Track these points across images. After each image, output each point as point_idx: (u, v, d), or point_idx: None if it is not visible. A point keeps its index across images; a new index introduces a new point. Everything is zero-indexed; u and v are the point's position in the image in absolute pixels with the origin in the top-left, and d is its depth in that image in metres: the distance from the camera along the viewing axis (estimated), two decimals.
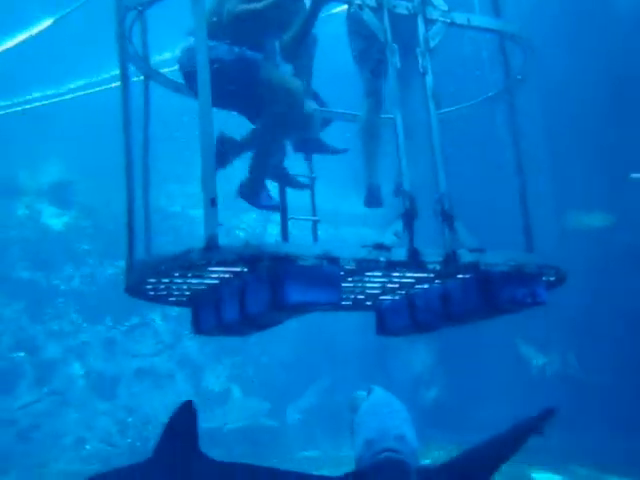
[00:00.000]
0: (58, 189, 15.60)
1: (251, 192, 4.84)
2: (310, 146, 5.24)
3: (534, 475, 9.77)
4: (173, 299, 4.39)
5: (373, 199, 5.18)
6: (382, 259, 3.54)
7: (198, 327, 4.36)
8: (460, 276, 4.08)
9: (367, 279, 4.02)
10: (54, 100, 15.44)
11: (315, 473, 10.81)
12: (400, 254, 3.60)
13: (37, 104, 15.66)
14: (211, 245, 3.42)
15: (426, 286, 4.26)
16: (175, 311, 14.92)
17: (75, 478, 11.92)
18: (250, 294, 3.66)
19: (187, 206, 14.99)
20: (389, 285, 4.21)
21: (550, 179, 14.31)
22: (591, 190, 13.93)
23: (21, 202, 15.60)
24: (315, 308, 3.69)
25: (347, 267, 3.53)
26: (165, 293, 4.26)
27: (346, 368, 14.93)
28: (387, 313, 4.68)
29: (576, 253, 12.96)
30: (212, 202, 3.46)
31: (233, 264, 3.52)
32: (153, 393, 14.59)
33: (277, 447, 13.71)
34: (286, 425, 14.49)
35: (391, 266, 3.60)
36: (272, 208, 5.15)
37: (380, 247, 3.56)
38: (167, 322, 15.09)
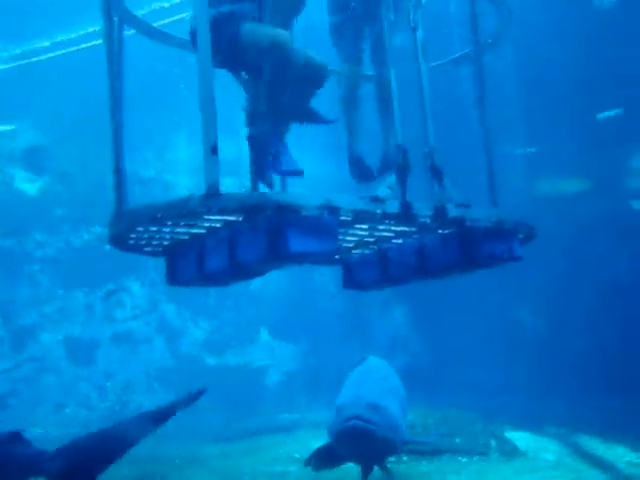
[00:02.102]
0: (32, 154, 15.33)
1: (258, 169, 4.65)
2: (300, 115, 5.02)
3: (508, 434, 10.05)
4: (149, 249, 4.40)
5: (361, 172, 5.13)
6: (378, 211, 3.63)
7: (174, 278, 4.38)
8: (440, 231, 4.18)
9: (350, 232, 4.09)
10: (25, 61, 15.04)
11: (291, 435, 11.08)
12: (394, 206, 3.69)
13: (6, 66, 15.24)
14: (212, 193, 3.44)
15: (400, 240, 4.34)
16: (151, 276, 14.91)
17: (56, 442, 11.99)
18: (244, 243, 3.70)
19: (162, 171, 14.89)
20: (367, 239, 4.30)
21: (523, 143, 14.46)
22: (566, 155, 14.13)
23: None
24: (312, 258, 3.76)
25: (345, 218, 3.60)
26: (144, 243, 4.27)
27: (325, 330, 15.13)
28: (356, 267, 4.76)
29: (549, 218, 13.20)
30: (212, 150, 3.48)
31: (233, 213, 3.55)
32: (131, 358, 14.64)
33: (257, 409, 13.89)
34: (265, 387, 14.67)
35: (385, 218, 3.69)
36: (294, 173, 4.76)
37: (376, 199, 3.64)
38: (143, 287, 15.08)
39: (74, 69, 13.79)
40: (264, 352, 14.81)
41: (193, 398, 5.09)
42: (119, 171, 4.19)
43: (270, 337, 14.96)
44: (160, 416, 4.93)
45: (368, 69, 5.33)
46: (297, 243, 3.53)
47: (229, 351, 14.81)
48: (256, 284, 15.53)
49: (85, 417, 13.73)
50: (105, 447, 4.66)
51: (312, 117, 5.05)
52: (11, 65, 15.22)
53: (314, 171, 13.02)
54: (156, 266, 14.76)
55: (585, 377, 12.90)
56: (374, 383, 6.00)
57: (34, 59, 15.14)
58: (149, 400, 14.29)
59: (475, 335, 14.29)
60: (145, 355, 14.68)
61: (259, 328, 15.10)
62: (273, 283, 15.55)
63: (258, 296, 15.39)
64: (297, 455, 9.24)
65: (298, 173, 4.67)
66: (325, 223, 3.57)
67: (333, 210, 3.54)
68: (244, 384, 14.30)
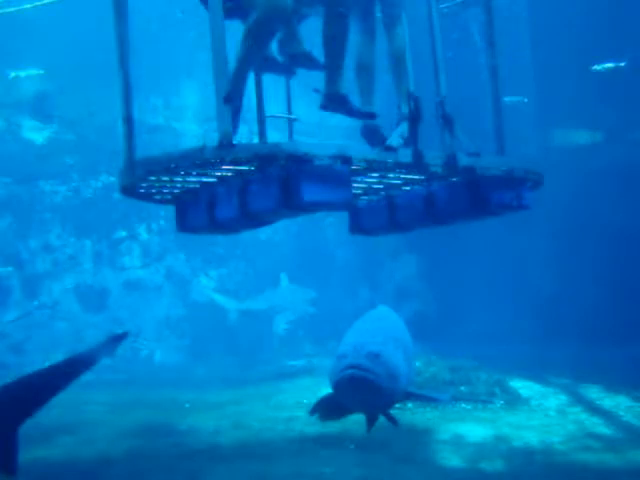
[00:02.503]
0: (38, 101, 15.24)
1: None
2: (299, 60, 4.83)
3: (511, 383, 10.20)
4: (159, 197, 4.42)
5: (373, 140, 4.93)
6: (390, 160, 3.64)
7: (184, 225, 4.42)
8: (450, 179, 4.18)
9: (360, 179, 4.10)
10: (31, 5, 14.77)
11: (299, 382, 11.28)
12: (406, 156, 3.70)
13: (12, 9, 14.96)
14: (225, 143, 3.45)
15: (409, 188, 4.36)
16: (160, 225, 15.00)
17: (68, 387, 12.26)
18: (256, 192, 3.72)
19: (171, 119, 14.81)
20: (376, 186, 4.30)
21: (535, 94, 14.25)
22: (576, 105, 13.95)
23: None
24: (324, 207, 3.78)
25: (356, 167, 3.61)
26: (155, 191, 4.29)
27: (334, 279, 15.27)
28: (363, 212, 4.76)
29: (559, 168, 13.12)
30: (225, 99, 3.46)
31: (246, 163, 3.56)
32: (141, 305, 14.84)
33: (266, 356, 14.14)
34: (275, 335, 14.90)
35: (397, 167, 3.70)
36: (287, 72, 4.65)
37: (388, 148, 3.65)
38: (153, 235, 15.18)
39: (77, 14, 13.58)
40: (274, 300, 14.96)
41: (115, 342, 5.08)
42: (129, 120, 4.16)
43: (280, 285, 15.09)
44: (82, 362, 4.90)
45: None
46: (310, 193, 3.56)
47: (238, 299, 14.98)
48: (266, 233, 15.59)
49: (98, 364, 13.97)
50: (26, 397, 4.67)
51: (311, 63, 4.96)
52: (12, 9, 14.98)
53: (322, 120, 12.99)
54: (165, 215, 14.84)
55: (589, 327, 13.03)
56: (377, 332, 5.83)
57: (36, 3, 14.89)
58: (159, 347, 14.57)
59: (482, 285, 14.39)
60: (155, 303, 14.88)
61: (269, 277, 15.21)
62: (283, 232, 15.62)
63: (268, 245, 15.49)
64: (305, 401, 9.45)
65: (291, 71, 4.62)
66: (338, 173, 3.59)
67: (346, 160, 3.56)
68: (254, 332, 14.51)
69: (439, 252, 14.88)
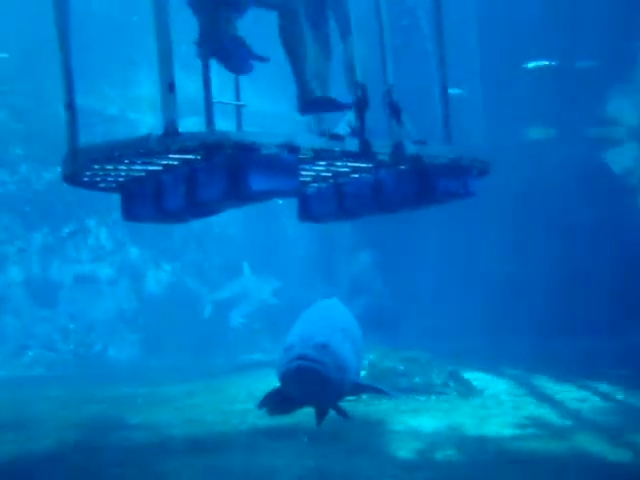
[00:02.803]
0: None
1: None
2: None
3: (465, 374, 10.32)
4: (103, 185, 4.34)
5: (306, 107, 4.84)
6: (337, 149, 3.62)
7: (130, 213, 4.34)
8: (397, 167, 4.19)
9: (308, 167, 4.08)
10: None
11: (253, 375, 11.20)
12: (353, 144, 3.68)
13: None
14: (171, 131, 3.38)
15: (357, 175, 4.36)
16: (114, 218, 14.72)
17: (18, 382, 12.01)
18: (203, 182, 3.67)
19: (126, 109, 14.54)
20: (324, 174, 4.29)
21: (482, 86, 14.37)
22: (528, 101, 14.17)
23: None
24: (272, 196, 3.76)
25: (304, 156, 3.58)
26: (99, 180, 4.21)
27: (289, 272, 15.22)
28: (312, 200, 4.76)
29: (511, 163, 13.33)
30: (170, 87, 3.39)
31: (192, 152, 3.50)
32: (95, 299, 14.56)
33: (221, 350, 14.04)
34: (229, 328, 14.79)
35: (345, 156, 3.68)
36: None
37: (336, 137, 3.63)
38: (106, 228, 14.89)
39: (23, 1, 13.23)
40: (229, 293, 14.85)
41: None
42: (71, 107, 4.05)
43: (235, 278, 14.98)
44: None
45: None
46: (258, 182, 3.54)
47: (193, 292, 14.82)
48: (221, 226, 15.47)
49: (49, 359, 13.71)
50: None
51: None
52: None
53: (270, 109, 12.94)
54: (118, 207, 14.59)
55: (541, 320, 13.29)
56: (325, 323, 5.69)
57: None
58: (114, 342, 14.33)
59: (436, 279, 14.53)
60: (109, 297, 14.62)
61: (224, 269, 15.09)
62: (238, 225, 15.52)
63: (223, 237, 15.36)
64: (259, 394, 9.35)
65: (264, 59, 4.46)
66: (285, 162, 3.57)
67: (293, 149, 3.54)
68: (209, 325, 14.39)
69: (394, 247, 15.00)
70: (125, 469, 6.54)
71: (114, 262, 14.80)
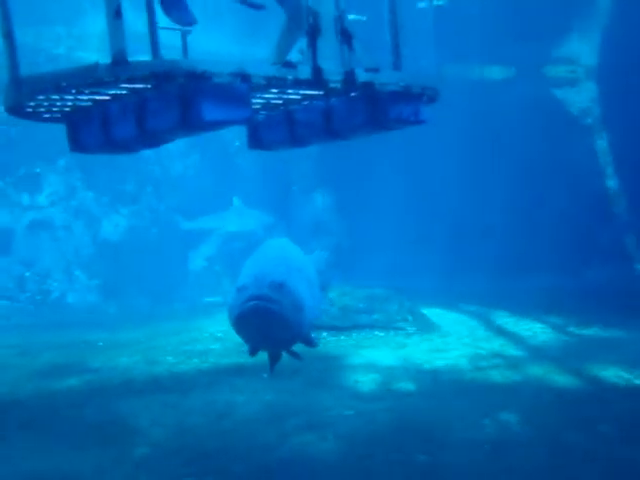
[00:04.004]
0: None
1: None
2: None
3: (424, 311, 10.51)
4: (48, 116, 4.19)
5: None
6: (289, 77, 3.54)
7: (77, 144, 4.20)
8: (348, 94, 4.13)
9: (258, 95, 3.99)
10: None
11: (214, 317, 11.19)
12: (305, 72, 3.60)
13: None
14: (120, 60, 3.25)
15: (307, 102, 4.29)
16: (66, 161, 14.34)
17: None
18: (154, 111, 3.57)
19: (74, 48, 13.99)
20: (274, 101, 4.21)
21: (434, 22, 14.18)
22: (481, 40, 14.08)
23: None
24: (224, 126, 3.68)
25: (256, 84, 3.50)
26: (44, 110, 4.06)
27: (247, 214, 15.12)
28: (262, 127, 4.64)
29: (466, 101, 13.33)
30: (117, 14, 3.23)
31: (142, 81, 3.38)
32: (50, 246, 14.27)
33: (181, 293, 13.99)
34: (189, 272, 14.70)
35: (297, 84, 3.60)
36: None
37: (288, 65, 3.54)
38: (58, 173, 14.46)
39: None
40: (186, 238, 14.68)
41: None
42: (9, 35, 3.86)
43: (190, 223, 14.78)
44: None
45: None
46: (210, 112, 3.44)
47: (151, 236, 14.60)
48: (177, 169, 15.22)
49: (5, 308, 13.49)
50: None
51: None
52: None
53: (227, 49, 12.61)
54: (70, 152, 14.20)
55: (498, 259, 13.54)
56: (279, 262, 5.28)
57: None
58: (71, 288, 14.15)
59: (394, 219, 14.61)
60: (65, 243, 14.32)
61: (181, 213, 14.85)
62: (195, 168, 15.29)
63: (180, 181, 15.11)
64: (220, 335, 9.45)
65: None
66: (237, 91, 3.48)
67: (245, 77, 3.44)
68: (167, 269, 14.26)
69: (352, 187, 15.01)
70: (84, 410, 6.55)
71: (69, 207, 14.43)
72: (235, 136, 14.27)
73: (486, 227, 14.19)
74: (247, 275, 5.04)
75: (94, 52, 13.85)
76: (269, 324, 4.69)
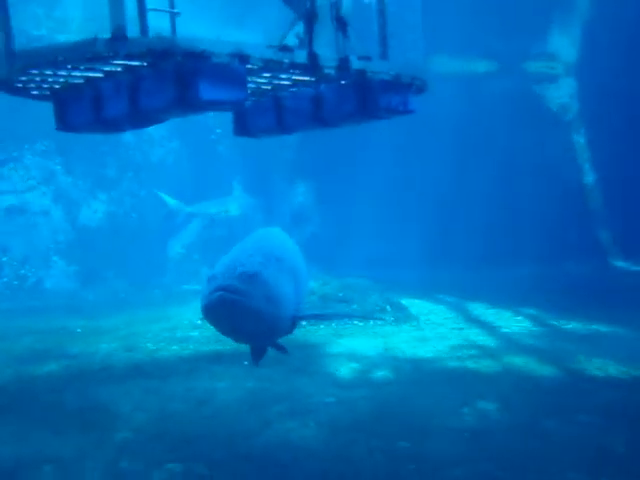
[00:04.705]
0: None
1: None
2: None
3: (402, 301, 10.58)
4: (36, 93, 4.14)
5: None
6: (286, 60, 3.56)
7: (64, 123, 4.15)
8: (339, 81, 4.15)
9: (249, 79, 3.99)
10: None
11: (193, 304, 11.17)
12: (301, 56, 3.62)
13: None
14: (119, 36, 3.23)
15: (296, 89, 4.30)
16: (45, 145, 14.16)
17: None
18: (149, 90, 3.55)
19: (55, 30, 13.79)
20: (264, 87, 4.21)
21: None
22: (468, 34, 14.16)
23: None
24: (219, 107, 3.68)
25: (252, 66, 3.50)
26: (34, 86, 4.01)
27: (228, 203, 15.06)
28: (250, 114, 4.62)
29: (450, 95, 13.40)
30: None
31: (139, 58, 3.36)
32: (28, 231, 14.10)
33: (159, 280, 13.92)
34: (168, 259, 14.64)
35: (292, 68, 3.62)
36: None
37: (285, 49, 3.56)
38: (36, 157, 14.26)
39: None
40: (166, 223, 14.58)
41: None
42: (3, 6, 3.81)
43: (171, 208, 14.68)
44: None
45: None
46: (207, 91, 3.45)
47: (129, 222, 14.48)
48: (158, 155, 15.11)
49: None
50: None
51: None
52: None
53: (215, 33, 12.54)
54: (50, 134, 14.01)
55: (475, 251, 13.69)
56: (257, 252, 5.00)
57: None
58: (48, 274, 14.02)
59: (373, 211, 14.68)
60: (43, 228, 14.15)
61: (160, 199, 14.74)
62: (175, 154, 15.19)
63: (160, 167, 15.00)
64: (198, 322, 9.42)
65: None
66: (235, 71, 3.49)
67: (244, 58, 3.45)
68: (147, 255, 14.18)
69: (332, 177, 15.04)
70: (63, 395, 6.50)
71: (47, 192, 14.26)
72: (217, 123, 14.21)
73: (467, 218, 14.32)
74: (221, 264, 4.83)
75: (74, 35, 13.69)
76: (236, 316, 4.46)
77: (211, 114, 14.44)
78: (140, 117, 3.77)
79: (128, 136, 14.49)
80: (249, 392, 6.37)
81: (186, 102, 3.44)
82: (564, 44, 15.32)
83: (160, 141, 14.96)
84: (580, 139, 15.32)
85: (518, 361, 7.26)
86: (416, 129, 12.44)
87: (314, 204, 15.34)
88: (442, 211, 14.66)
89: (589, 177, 15.17)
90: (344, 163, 14.99)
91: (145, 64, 3.56)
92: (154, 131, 14.74)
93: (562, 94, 15.55)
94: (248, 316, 4.45)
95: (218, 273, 4.59)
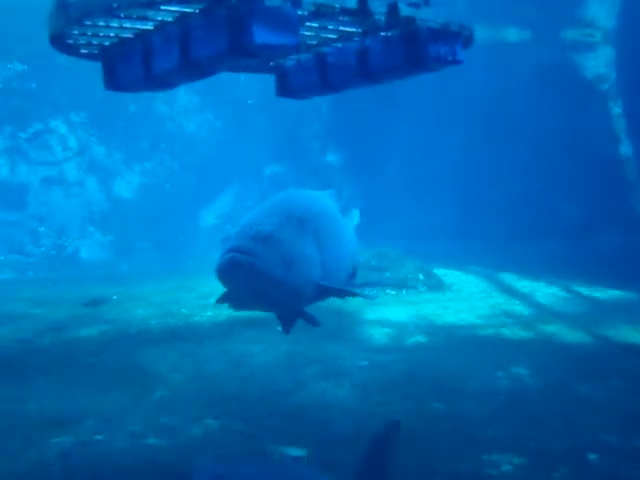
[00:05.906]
0: None
1: None
2: None
3: (435, 271, 10.57)
4: (86, 51, 4.15)
5: None
6: (337, 5, 3.54)
7: (114, 82, 4.17)
8: (384, 33, 4.10)
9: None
10: None
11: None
12: (351, 2, 3.60)
13: None
14: None
15: (340, 45, 4.25)
16: (80, 117, 14.33)
17: None
18: (200, 37, 3.55)
19: None
20: (309, 41, 4.17)
21: None
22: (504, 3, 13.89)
23: None
24: (272, 52, 3.65)
25: (303, 12, 3.50)
26: (84, 43, 4.02)
27: (258, 176, 15.16)
28: (292, 73, 4.56)
29: (482, 65, 13.20)
30: None
31: (194, 2, 3.37)
32: (64, 201, 14.33)
33: (193, 250, 14.09)
34: (201, 229, 14.78)
35: (342, 14, 3.59)
36: None
37: None
38: (72, 128, 14.43)
39: None
40: (199, 195, 14.72)
41: None
42: None
43: (202, 183, 14.78)
44: None
45: None
46: (261, 35, 3.40)
47: (163, 193, 14.62)
48: (191, 127, 15.19)
49: (20, 263, 13.61)
50: None
51: None
52: None
53: None
54: (85, 106, 14.18)
55: (510, 223, 13.56)
56: (277, 212, 4.63)
57: None
58: (84, 244, 14.27)
59: (407, 183, 14.61)
60: (78, 198, 14.38)
61: (193, 171, 14.87)
62: (209, 125, 15.24)
63: (194, 139, 15.08)
64: None
65: None
66: (287, 15, 3.45)
67: (296, 2, 3.45)
68: (179, 226, 14.33)
69: (363, 148, 14.96)
70: (102, 357, 6.67)
71: (82, 163, 14.44)
72: (248, 94, 14.21)
73: (499, 190, 14.17)
74: (238, 225, 4.53)
75: None
76: (250, 279, 4.15)
77: (243, 84, 14.45)
78: (191, 69, 3.75)
79: (162, 106, 14.59)
80: (284, 355, 6.47)
81: (239, 47, 3.40)
82: (602, 10, 14.93)
83: (194, 112, 15.02)
84: (617, 109, 14.99)
85: (551, 329, 7.25)
86: (447, 99, 12.35)
87: (344, 175, 15.30)
88: (474, 183, 14.52)
89: (625, 148, 14.86)
90: (375, 134, 14.89)
91: (197, 11, 3.55)
92: (188, 102, 14.81)
93: (599, 63, 15.19)
94: (262, 279, 4.15)
95: (233, 234, 4.34)
